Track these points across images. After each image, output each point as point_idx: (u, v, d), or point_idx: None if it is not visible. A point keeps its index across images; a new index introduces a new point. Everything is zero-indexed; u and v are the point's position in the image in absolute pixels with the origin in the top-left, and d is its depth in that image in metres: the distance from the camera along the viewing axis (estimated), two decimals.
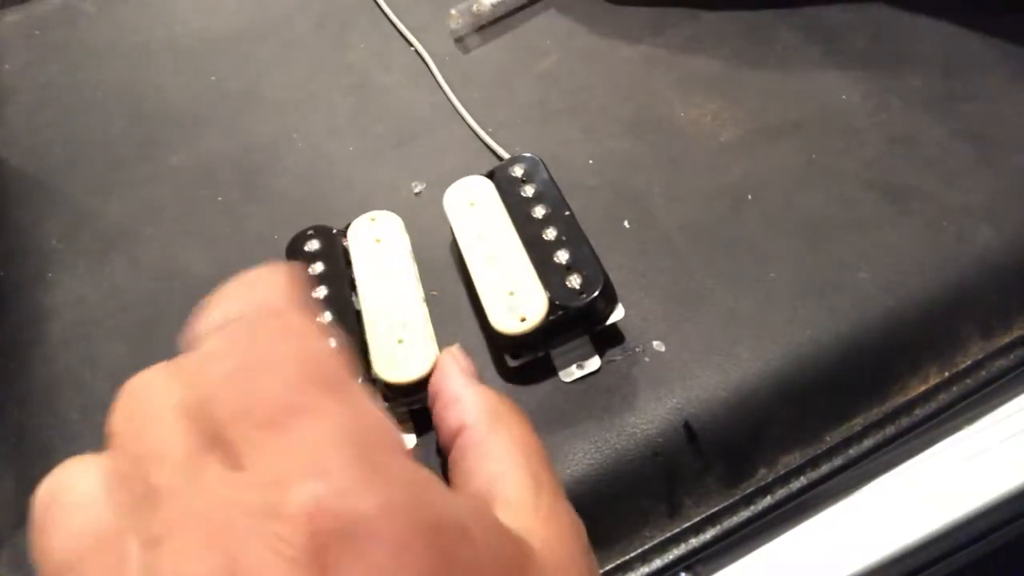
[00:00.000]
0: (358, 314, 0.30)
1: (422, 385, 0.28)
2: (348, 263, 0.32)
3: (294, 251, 0.32)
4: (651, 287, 0.32)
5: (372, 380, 0.29)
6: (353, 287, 0.31)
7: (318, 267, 0.31)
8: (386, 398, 0.29)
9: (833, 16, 0.41)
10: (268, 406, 0.16)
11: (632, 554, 0.29)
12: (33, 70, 0.47)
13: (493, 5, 0.44)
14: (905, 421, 0.30)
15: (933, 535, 0.30)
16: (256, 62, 0.45)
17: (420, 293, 0.31)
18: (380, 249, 0.32)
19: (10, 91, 0.45)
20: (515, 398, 0.30)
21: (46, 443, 0.31)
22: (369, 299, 0.30)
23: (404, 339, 0.29)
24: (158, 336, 0.34)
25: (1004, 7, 0.39)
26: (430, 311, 0.30)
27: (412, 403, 0.29)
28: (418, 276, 0.31)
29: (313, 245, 0.32)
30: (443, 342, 0.29)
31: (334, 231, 0.33)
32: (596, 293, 0.29)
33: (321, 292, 0.31)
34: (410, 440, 0.29)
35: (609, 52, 0.41)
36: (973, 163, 0.34)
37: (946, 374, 0.31)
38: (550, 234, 0.31)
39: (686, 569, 0.30)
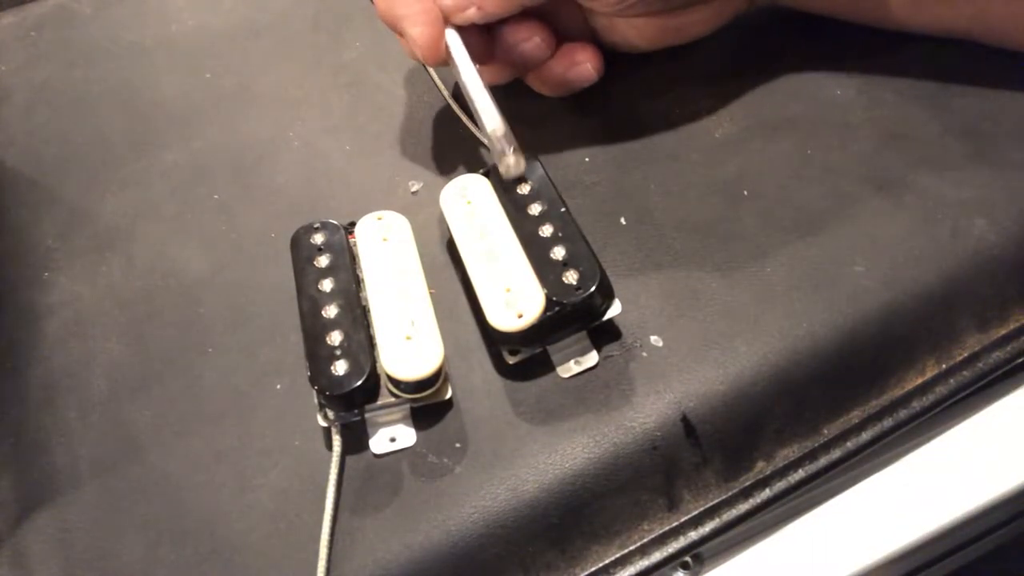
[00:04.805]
0: (364, 309, 0.30)
1: (429, 381, 0.29)
2: (353, 259, 0.32)
3: (300, 242, 0.32)
4: (648, 282, 0.32)
5: (378, 375, 0.29)
6: (359, 283, 0.31)
7: (323, 260, 0.32)
8: (392, 393, 0.29)
9: None
10: None
11: (631, 547, 0.29)
12: (29, 71, 0.46)
13: None
14: (903, 413, 0.31)
15: (932, 530, 0.30)
16: (251, 60, 0.45)
17: (427, 291, 0.31)
18: (387, 248, 0.32)
19: (6, 92, 0.45)
20: (513, 395, 0.30)
21: (44, 442, 0.31)
22: (377, 295, 0.30)
23: (412, 336, 0.29)
24: (155, 334, 0.34)
25: None
26: None
27: (417, 400, 0.29)
28: (424, 275, 0.31)
29: (319, 238, 0.32)
30: (443, 339, 0.29)
31: (339, 227, 0.33)
32: (593, 288, 0.29)
33: (327, 285, 0.31)
34: (410, 438, 0.29)
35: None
36: (967, 158, 0.34)
37: (943, 366, 0.31)
38: (546, 231, 0.31)
39: (683, 565, 0.30)
